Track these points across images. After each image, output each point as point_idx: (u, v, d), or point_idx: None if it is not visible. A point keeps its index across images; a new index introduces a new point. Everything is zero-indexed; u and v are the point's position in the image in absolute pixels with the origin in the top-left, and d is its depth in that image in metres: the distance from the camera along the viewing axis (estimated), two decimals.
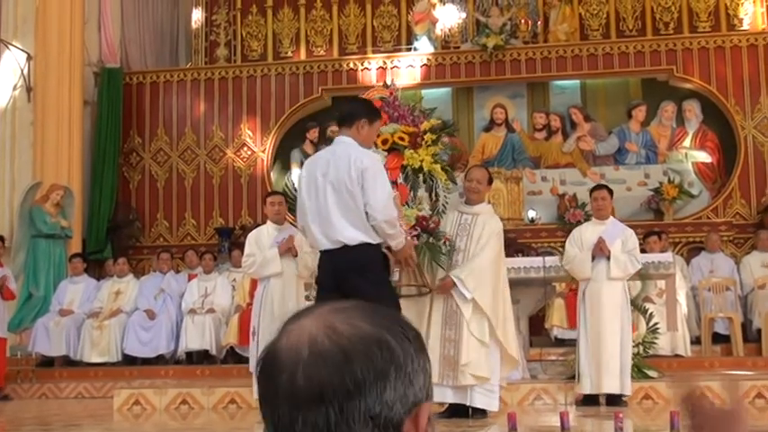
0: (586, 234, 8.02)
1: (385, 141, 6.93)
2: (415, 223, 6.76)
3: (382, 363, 1.07)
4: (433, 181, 7.09)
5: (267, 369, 1.10)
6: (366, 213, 5.42)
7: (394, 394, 1.07)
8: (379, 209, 5.40)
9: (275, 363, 1.09)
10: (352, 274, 5.39)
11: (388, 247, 5.59)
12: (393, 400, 1.07)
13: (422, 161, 6.92)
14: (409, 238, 6.09)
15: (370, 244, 5.47)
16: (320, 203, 5.52)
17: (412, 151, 6.95)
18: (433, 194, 7.12)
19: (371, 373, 1.06)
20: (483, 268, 6.91)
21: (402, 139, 6.95)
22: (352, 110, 5.76)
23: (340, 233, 5.45)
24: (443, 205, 7.14)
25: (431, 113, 7.49)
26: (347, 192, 5.43)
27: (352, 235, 5.44)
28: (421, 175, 7.02)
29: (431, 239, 6.85)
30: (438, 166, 7.04)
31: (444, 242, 6.94)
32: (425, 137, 7.01)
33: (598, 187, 8.47)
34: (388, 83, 7.73)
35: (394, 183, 6.84)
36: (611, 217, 8.24)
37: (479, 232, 7.01)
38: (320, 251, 5.66)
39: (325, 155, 5.70)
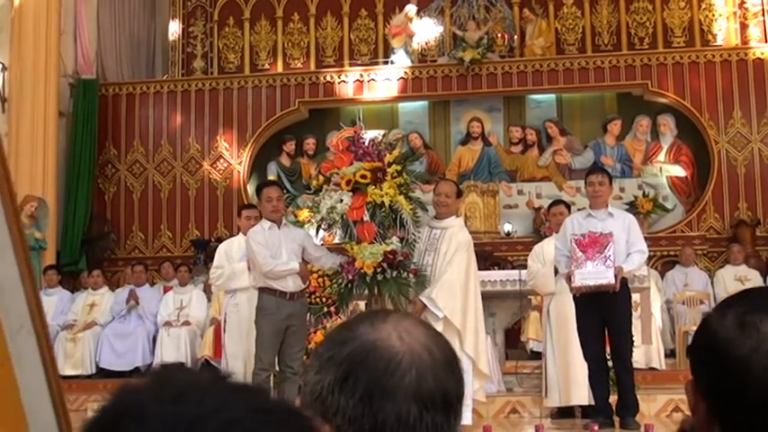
0: (548, 249, 7.98)
1: (348, 182, 6.86)
2: (382, 259, 6.71)
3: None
4: (397, 213, 6.94)
5: (377, 364, 1.15)
6: None
7: None
8: None
9: (392, 360, 1.15)
10: None
11: None
12: None
13: (383, 196, 6.83)
14: None
15: None
16: None
17: (373, 187, 6.87)
18: (398, 226, 6.95)
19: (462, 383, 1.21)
20: (452, 283, 6.90)
21: (364, 177, 6.86)
22: None
23: None
24: (413, 234, 7.01)
25: (395, 145, 7.43)
26: None
27: None
28: (384, 210, 6.88)
29: (395, 274, 6.78)
30: (402, 198, 6.91)
31: (411, 273, 6.89)
32: (389, 169, 6.91)
33: (556, 203, 8.49)
34: (356, 122, 7.42)
35: (360, 221, 6.83)
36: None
37: (446, 247, 6.99)
38: None
39: None
